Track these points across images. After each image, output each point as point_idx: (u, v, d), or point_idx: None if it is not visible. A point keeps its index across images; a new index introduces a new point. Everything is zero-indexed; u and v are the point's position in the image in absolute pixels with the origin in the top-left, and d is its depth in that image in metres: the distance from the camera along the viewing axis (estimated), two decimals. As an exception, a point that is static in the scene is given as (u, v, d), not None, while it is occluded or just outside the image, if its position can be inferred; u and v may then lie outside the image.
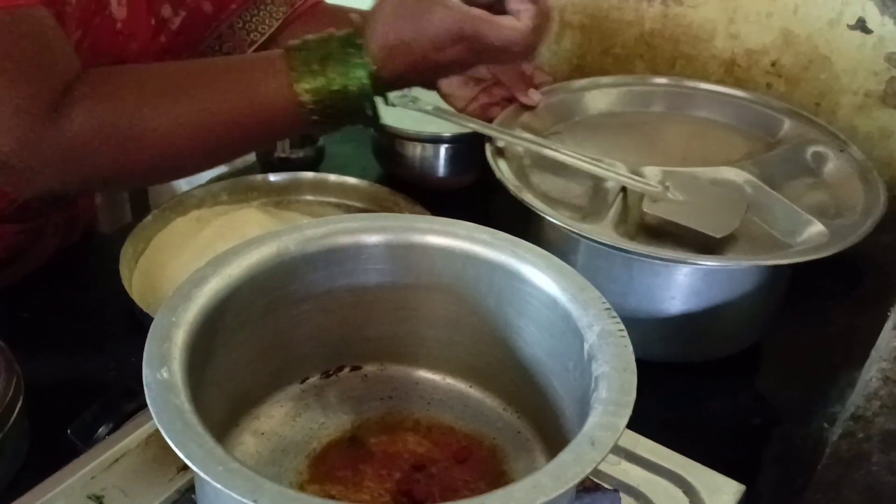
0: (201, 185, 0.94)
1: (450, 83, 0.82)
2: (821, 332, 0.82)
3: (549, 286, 0.44)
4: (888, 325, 0.60)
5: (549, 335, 0.45)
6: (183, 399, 0.36)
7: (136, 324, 0.77)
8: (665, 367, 0.71)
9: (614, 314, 0.42)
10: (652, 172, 0.75)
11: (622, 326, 0.41)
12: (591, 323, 0.42)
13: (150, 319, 0.72)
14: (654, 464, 0.52)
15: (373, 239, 0.48)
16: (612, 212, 0.68)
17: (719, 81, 1.02)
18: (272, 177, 0.94)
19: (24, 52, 0.60)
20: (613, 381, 0.38)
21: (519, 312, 0.47)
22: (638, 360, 0.40)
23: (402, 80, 0.72)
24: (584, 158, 0.75)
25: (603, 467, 0.51)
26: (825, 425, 0.71)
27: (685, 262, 0.66)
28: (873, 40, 0.95)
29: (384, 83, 0.69)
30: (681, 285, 0.70)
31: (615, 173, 0.74)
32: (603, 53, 1.12)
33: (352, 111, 0.69)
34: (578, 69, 1.12)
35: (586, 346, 0.41)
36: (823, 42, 0.98)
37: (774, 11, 0.99)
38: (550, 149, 0.76)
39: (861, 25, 0.95)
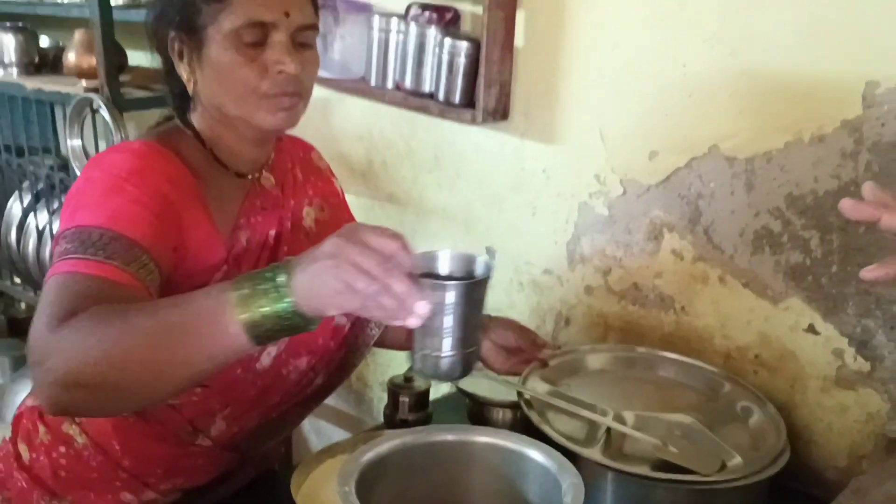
0: (344, 439, 1.36)
1: (486, 351, 1.30)
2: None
3: (546, 462, 0.82)
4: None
5: (544, 490, 0.82)
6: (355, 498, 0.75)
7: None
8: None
9: (577, 473, 0.79)
10: (629, 416, 1.17)
11: (580, 479, 0.78)
12: (566, 479, 0.79)
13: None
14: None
15: (450, 437, 0.87)
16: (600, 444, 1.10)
17: (720, 367, 1.41)
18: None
19: (67, 299, 0.87)
20: (571, 500, 0.75)
21: (529, 480, 0.84)
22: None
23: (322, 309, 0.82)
24: (584, 405, 1.18)
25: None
26: None
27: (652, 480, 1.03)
28: (822, 340, 1.32)
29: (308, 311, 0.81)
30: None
31: (604, 418, 1.16)
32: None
33: (287, 330, 0.82)
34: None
35: (563, 491, 0.78)
36: (789, 341, 1.36)
37: (752, 320, 1.39)
38: (559, 398, 1.20)
39: (812, 329, 1.33)
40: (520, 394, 1.21)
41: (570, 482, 0.78)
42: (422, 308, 0.81)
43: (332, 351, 1.23)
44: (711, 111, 1.36)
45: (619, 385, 1.32)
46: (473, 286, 0.88)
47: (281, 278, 0.80)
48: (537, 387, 1.24)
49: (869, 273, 0.70)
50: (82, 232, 0.96)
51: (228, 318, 0.80)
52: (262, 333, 0.81)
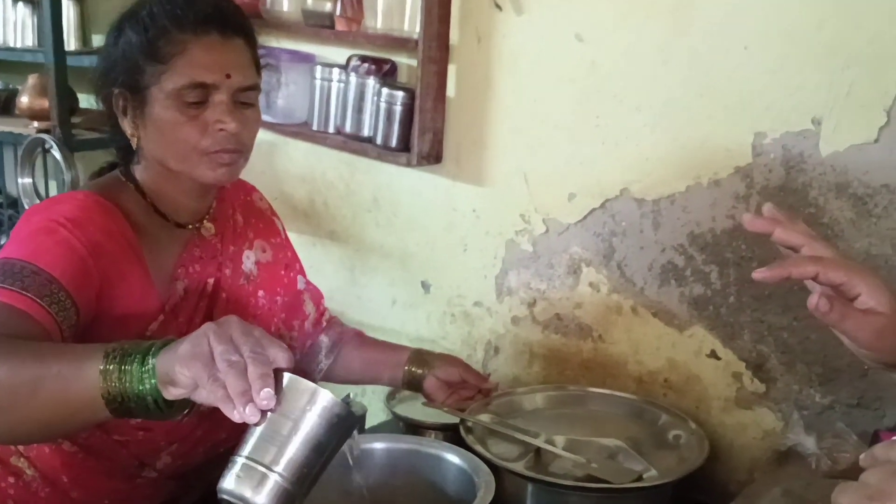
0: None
1: (430, 386, 1.36)
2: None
3: (461, 464, 0.93)
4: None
5: (460, 487, 0.93)
6: None
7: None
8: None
9: (489, 472, 0.90)
10: (560, 440, 1.27)
11: (491, 476, 0.89)
12: (479, 476, 0.90)
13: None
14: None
15: (378, 445, 0.98)
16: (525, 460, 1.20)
17: (633, 392, 1.53)
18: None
19: None
20: (484, 493, 0.86)
21: (448, 480, 0.94)
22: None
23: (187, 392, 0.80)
24: (519, 430, 1.27)
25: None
26: None
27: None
28: (723, 364, 1.46)
29: (173, 397, 0.81)
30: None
31: (535, 440, 1.26)
32: (559, 374, 1.65)
33: (148, 412, 0.82)
34: (545, 383, 1.65)
35: (476, 485, 0.89)
36: (694, 366, 1.50)
37: (661, 347, 1.53)
38: (499, 425, 1.29)
39: (714, 355, 1.47)
40: (463, 421, 1.30)
41: (484, 479, 0.89)
42: (265, 396, 0.74)
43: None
44: (622, 158, 1.51)
45: (556, 418, 1.41)
46: (344, 412, 0.76)
47: (151, 360, 0.80)
48: (480, 417, 1.33)
49: (759, 274, 0.82)
50: (6, 264, 1.02)
51: (90, 389, 0.82)
52: (120, 410, 0.82)
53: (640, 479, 1.21)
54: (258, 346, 0.77)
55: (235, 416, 0.75)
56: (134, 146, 1.18)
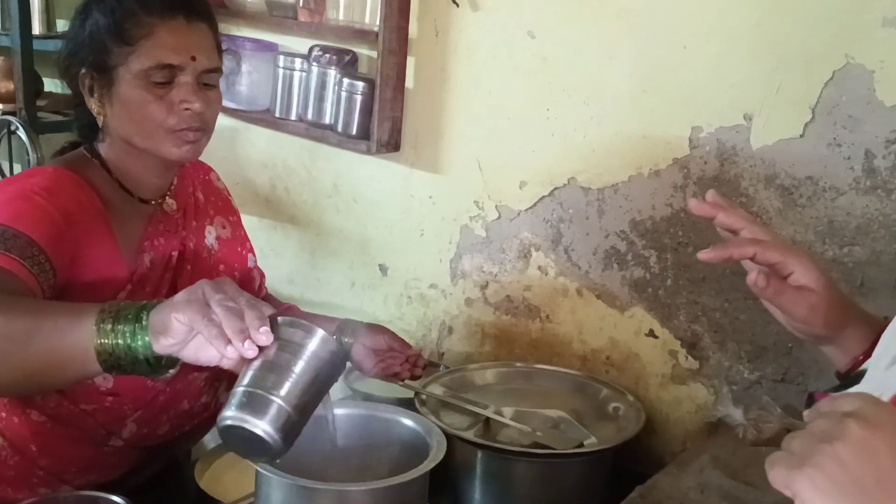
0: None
1: (358, 354, 1.40)
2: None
3: (416, 427, 1.01)
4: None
5: (415, 448, 1.01)
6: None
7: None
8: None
9: (440, 432, 0.98)
10: (508, 411, 1.36)
11: (443, 436, 0.98)
12: (432, 437, 0.98)
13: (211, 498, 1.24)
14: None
15: (337, 411, 1.05)
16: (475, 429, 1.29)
17: (577, 369, 1.62)
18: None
19: None
20: (436, 451, 0.94)
21: (403, 442, 1.03)
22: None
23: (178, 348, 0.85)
24: (470, 402, 1.36)
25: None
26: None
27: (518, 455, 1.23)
28: (660, 343, 1.56)
29: (163, 350, 0.85)
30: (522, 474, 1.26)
31: (484, 411, 1.35)
32: (509, 353, 1.74)
33: (136, 366, 0.87)
34: (495, 361, 1.74)
35: (429, 446, 0.97)
36: (633, 344, 1.60)
37: (604, 327, 1.63)
38: (451, 398, 1.38)
39: (652, 334, 1.57)
40: (417, 394, 1.39)
41: (436, 439, 0.98)
42: (264, 332, 0.78)
43: None
44: (569, 149, 1.60)
45: (505, 393, 1.50)
46: (337, 348, 0.81)
47: (146, 318, 0.85)
48: (433, 391, 1.43)
49: (704, 255, 0.89)
50: None
51: (84, 342, 0.86)
52: (110, 363, 0.87)
53: (581, 446, 1.31)
54: (253, 300, 0.84)
55: (230, 351, 0.79)
56: (100, 124, 1.23)
